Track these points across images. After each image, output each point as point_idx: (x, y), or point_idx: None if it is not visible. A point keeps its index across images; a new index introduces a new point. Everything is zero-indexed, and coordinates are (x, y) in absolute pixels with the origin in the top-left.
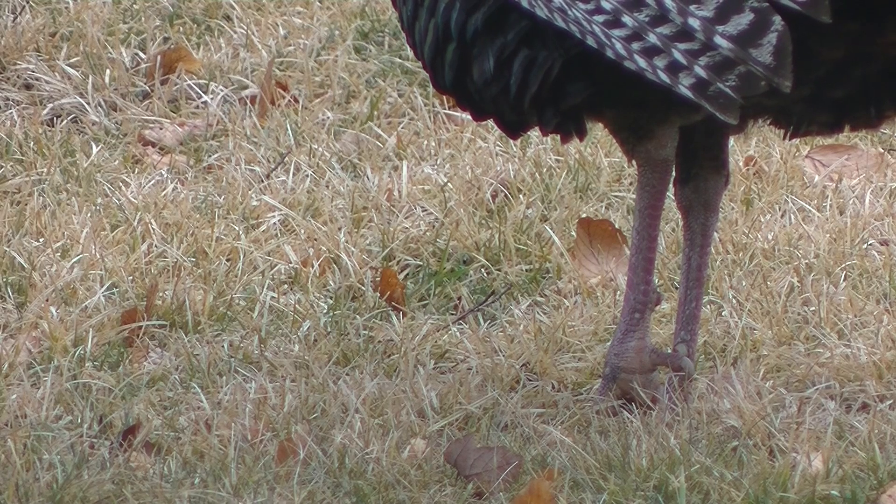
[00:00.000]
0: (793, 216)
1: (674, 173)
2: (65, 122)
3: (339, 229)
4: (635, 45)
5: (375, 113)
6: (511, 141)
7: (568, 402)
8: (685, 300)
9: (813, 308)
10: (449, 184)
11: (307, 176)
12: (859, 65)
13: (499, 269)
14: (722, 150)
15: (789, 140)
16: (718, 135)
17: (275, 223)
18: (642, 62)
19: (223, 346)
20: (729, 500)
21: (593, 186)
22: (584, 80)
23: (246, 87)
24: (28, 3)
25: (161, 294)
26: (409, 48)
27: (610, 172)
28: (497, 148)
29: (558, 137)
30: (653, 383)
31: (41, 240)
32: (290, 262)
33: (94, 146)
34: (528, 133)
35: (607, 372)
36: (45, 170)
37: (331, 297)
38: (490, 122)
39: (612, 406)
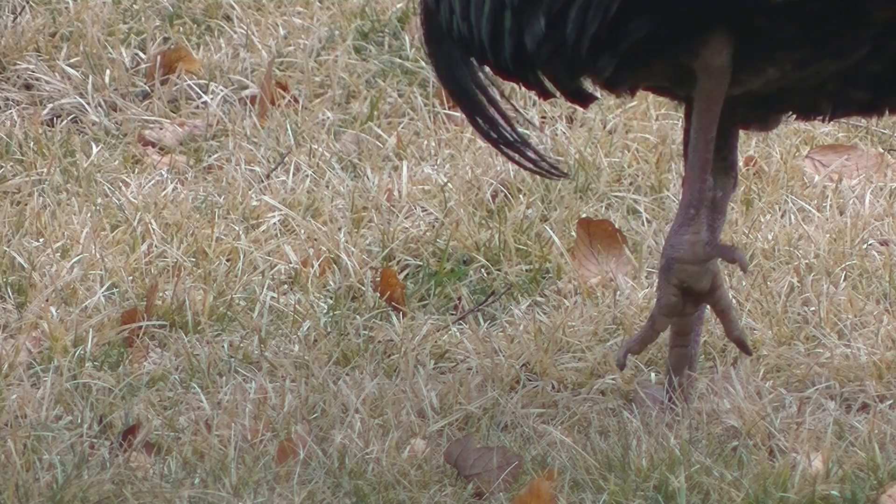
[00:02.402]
0: (793, 216)
1: (682, 173)
2: (65, 122)
3: (339, 229)
4: None
5: (375, 113)
6: None
7: (568, 402)
8: None
9: (813, 308)
10: (449, 184)
11: (307, 176)
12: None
13: (499, 269)
14: (731, 152)
15: (828, 122)
16: (728, 134)
17: (275, 223)
18: None
19: (223, 346)
20: (729, 500)
21: (593, 186)
22: (644, 15)
23: (246, 87)
24: (28, 3)
25: (161, 294)
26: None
27: (610, 172)
28: None
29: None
30: (709, 273)
31: (41, 240)
32: (290, 262)
33: (94, 146)
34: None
35: (662, 264)
36: (45, 170)
37: (331, 297)
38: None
39: (675, 298)
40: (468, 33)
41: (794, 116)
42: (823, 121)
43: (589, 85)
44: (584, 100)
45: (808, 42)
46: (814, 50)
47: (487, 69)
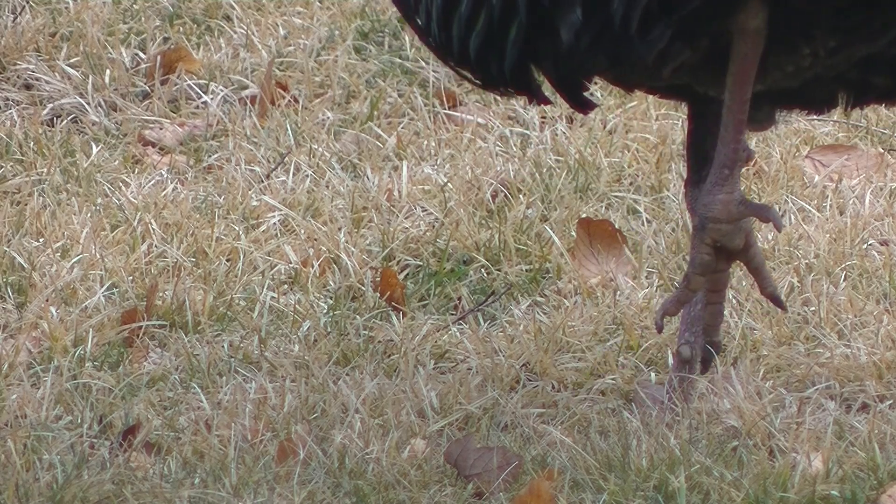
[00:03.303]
0: (793, 216)
1: (685, 175)
2: (65, 122)
3: (339, 229)
4: None
5: (375, 113)
6: (511, 140)
7: (568, 402)
8: (691, 302)
9: (813, 308)
10: (449, 184)
11: (307, 176)
12: None
13: (499, 269)
14: None
15: (850, 110)
16: None
17: (275, 223)
18: None
19: (223, 346)
20: (729, 500)
21: (593, 186)
22: None
23: (246, 87)
24: (28, 3)
25: (161, 294)
26: (426, 50)
27: (610, 172)
28: (497, 148)
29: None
30: (742, 232)
31: (41, 240)
32: (290, 262)
33: (94, 146)
34: (541, 126)
35: (696, 223)
36: (45, 170)
37: (331, 297)
38: (497, 122)
39: (708, 257)
40: (445, 41)
41: (806, 112)
42: (846, 109)
43: (597, 91)
44: (585, 105)
45: (841, 21)
46: (846, 31)
47: None
